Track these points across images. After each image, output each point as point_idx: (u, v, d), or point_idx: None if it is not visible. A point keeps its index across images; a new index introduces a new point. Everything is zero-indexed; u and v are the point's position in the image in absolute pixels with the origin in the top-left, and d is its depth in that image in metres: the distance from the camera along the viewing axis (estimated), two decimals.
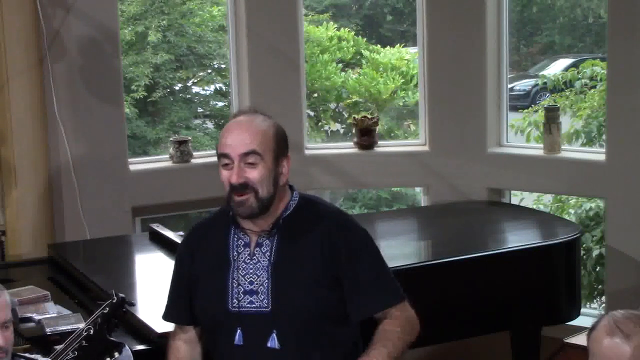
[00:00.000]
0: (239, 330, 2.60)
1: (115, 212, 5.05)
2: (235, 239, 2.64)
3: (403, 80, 7.80)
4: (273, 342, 2.57)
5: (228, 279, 2.61)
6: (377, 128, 5.65)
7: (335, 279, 2.58)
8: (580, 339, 3.89)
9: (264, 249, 2.60)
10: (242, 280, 2.60)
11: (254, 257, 2.61)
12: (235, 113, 2.67)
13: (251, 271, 2.60)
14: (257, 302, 2.58)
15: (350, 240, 2.61)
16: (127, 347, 2.69)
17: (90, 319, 2.59)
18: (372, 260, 2.65)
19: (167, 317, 2.79)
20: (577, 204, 6.31)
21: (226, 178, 2.54)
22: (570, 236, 4.39)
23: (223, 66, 7.92)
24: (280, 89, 5.39)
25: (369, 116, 5.67)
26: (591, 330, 2.40)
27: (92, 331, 2.55)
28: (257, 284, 2.58)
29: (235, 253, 2.63)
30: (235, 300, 2.60)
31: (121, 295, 2.61)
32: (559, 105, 5.85)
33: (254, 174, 2.52)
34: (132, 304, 2.91)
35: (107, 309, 2.59)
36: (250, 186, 2.52)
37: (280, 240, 2.60)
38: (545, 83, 6.88)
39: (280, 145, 2.58)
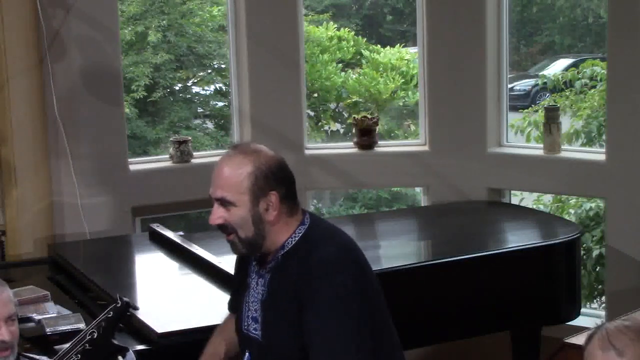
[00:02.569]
0: (247, 353, 2.65)
1: (115, 212, 5.05)
2: (253, 264, 2.67)
3: (403, 80, 7.81)
4: None
5: (244, 301, 2.66)
6: (377, 128, 5.65)
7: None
8: (580, 339, 3.88)
9: (262, 282, 2.62)
10: (250, 305, 2.64)
11: (257, 288, 2.63)
12: (231, 145, 2.66)
13: (255, 300, 2.63)
14: (257, 330, 2.61)
15: (315, 296, 2.47)
16: (131, 351, 2.69)
17: (94, 323, 2.59)
18: (329, 320, 2.46)
19: (229, 308, 2.87)
20: (577, 204, 6.32)
21: None
22: (570, 236, 4.39)
23: (223, 66, 7.92)
24: (280, 89, 5.39)
25: (369, 116, 5.67)
26: (586, 342, 2.40)
27: (95, 335, 2.55)
28: (258, 313, 2.62)
29: (250, 278, 2.67)
30: (245, 323, 2.65)
31: (125, 299, 2.61)
32: (559, 105, 5.85)
33: (228, 216, 2.53)
34: (136, 308, 2.91)
35: (111, 313, 2.58)
36: (230, 227, 2.53)
37: (272, 277, 2.59)
38: (545, 83, 6.89)
39: (260, 184, 2.51)
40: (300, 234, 2.59)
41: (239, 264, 2.80)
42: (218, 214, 2.54)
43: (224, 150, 6.18)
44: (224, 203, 2.53)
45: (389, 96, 7.76)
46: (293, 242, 2.58)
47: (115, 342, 2.62)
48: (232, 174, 2.52)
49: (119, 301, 2.60)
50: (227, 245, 2.64)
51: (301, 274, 2.52)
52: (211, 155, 5.58)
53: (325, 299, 2.48)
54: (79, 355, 2.53)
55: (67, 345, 2.59)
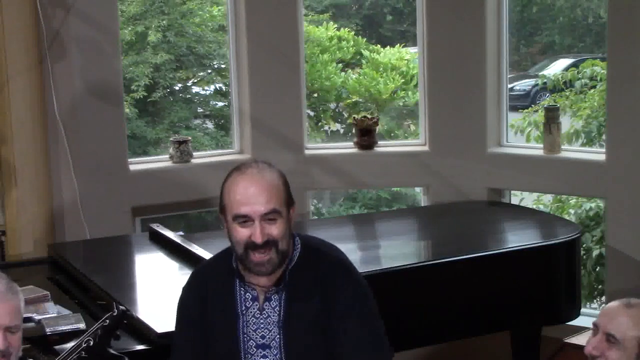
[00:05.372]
0: None
1: (115, 212, 5.05)
2: (242, 292, 2.60)
3: (403, 80, 7.81)
4: None
5: (239, 333, 2.59)
6: (377, 128, 5.65)
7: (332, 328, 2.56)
8: (580, 339, 3.89)
9: (273, 304, 2.57)
10: (253, 334, 2.58)
11: (264, 312, 2.58)
12: (238, 166, 2.56)
13: (262, 326, 2.58)
14: (270, 356, 2.57)
15: (346, 295, 2.55)
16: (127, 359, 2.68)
17: (90, 331, 2.57)
18: (363, 317, 2.56)
19: None
20: (577, 204, 6.32)
21: (245, 237, 2.49)
22: (570, 236, 4.39)
23: (223, 66, 7.92)
24: (280, 89, 5.39)
25: (369, 116, 5.67)
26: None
27: (91, 342, 2.53)
28: (269, 338, 2.57)
29: (244, 307, 2.59)
30: (248, 354, 2.59)
31: (122, 307, 2.59)
32: (559, 105, 5.85)
33: (274, 230, 2.48)
34: (133, 317, 2.89)
35: (108, 321, 2.57)
36: (272, 242, 2.48)
37: (288, 294, 2.56)
38: (545, 83, 6.89)
39: (289, 194, 2.55)
40: (299, 246, 2.61)
41: (190, 305, 2.67)
42: (266, 230, 2.48)
43: (224, 151, 6.18)
44: (272, 217, 2.48)
45: (389, 96, 7.76)
46: (297, 255, 2.59)
47: (112, 350, 2.60)
48: (274, 186, 2.50)
49: (115, 310, 2.58)
50: (227, 244, 2.61)
51: (322, 277, 2.54)
52: (211, 156, 5.58)
53: (354, 296, 2.55)
54: None
55: (63, 352, 2.57)
